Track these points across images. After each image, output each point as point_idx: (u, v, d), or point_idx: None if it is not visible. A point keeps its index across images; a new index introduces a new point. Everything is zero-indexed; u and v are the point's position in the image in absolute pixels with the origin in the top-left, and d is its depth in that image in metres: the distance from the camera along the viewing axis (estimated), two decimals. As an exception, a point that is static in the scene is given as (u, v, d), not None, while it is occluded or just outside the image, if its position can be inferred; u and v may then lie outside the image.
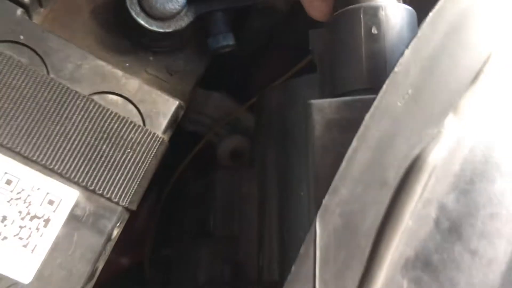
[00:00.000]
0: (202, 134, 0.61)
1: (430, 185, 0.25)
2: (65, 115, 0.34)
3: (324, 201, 0.24)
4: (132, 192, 0.35)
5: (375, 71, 0.28)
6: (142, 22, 0.38)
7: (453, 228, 0.25)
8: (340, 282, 0.24)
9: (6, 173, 0.33)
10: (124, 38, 0.41)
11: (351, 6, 0.29)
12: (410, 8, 0.30)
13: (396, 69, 0.25)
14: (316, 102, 0.27)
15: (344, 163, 0.25)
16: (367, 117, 0.25)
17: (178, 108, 0.38)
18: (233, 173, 0.45)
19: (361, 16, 0.28)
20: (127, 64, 0.41)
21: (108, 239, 0.35)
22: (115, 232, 0.35)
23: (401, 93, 0.25)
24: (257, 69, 0.61)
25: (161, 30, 0.38)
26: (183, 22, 0.39)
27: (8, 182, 0.33)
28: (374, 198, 0.24)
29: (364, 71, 0.28)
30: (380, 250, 0.24)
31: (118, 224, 0.35)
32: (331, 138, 0.27)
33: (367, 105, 0.26)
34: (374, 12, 0.28)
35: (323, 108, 0.27)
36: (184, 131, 0.60)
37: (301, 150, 0.40)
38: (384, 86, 0.25)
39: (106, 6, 0.41)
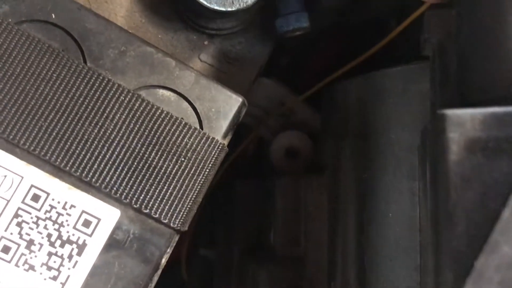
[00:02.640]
0: (251, 126, 0.54)
1: None
2: (105, 115, 0.28)
3: (477, 263, 0.17)
4: (186, 211, 0.28)
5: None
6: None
7: None
8: None
9: (32, 186, 0.27)
10: (174, 16, 0.34)
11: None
12: None
13: None
14: (452, 114, 0.20)
15: (508, 210, 0.17)
16: (544, 142, 0.17)
17: (242, 106, 0.31)
18: (297, 181, 0.38)
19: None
20: (177, 50, 0.34)
21: (156, 268, 0.28)
22: (164, 260, 0.29)
23: None
24: (315, 52, 0.53)
25: (222, 9, 0.31)
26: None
27: (35, 198, 0.27)
28: (551, 260, 0.17)
29: (520, 71, 0.20)
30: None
31: (167, 250, 0.29)
32: (475, 165, 0.19)
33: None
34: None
35: (462, 122, 0.19)
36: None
37: (388, 159, 0.33)
38: None
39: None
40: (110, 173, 0.27)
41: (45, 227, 0.27)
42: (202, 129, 0.29)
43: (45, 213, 0.27)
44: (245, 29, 0.35)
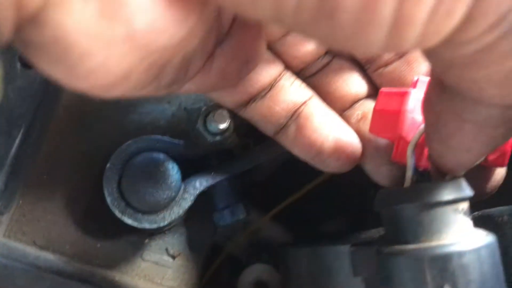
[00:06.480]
0: (221, 245, 0.54)
1: None
2: None
3: None
4: None
5: None
6: (130, 222, 0.30)
7: None
8: None
9: None
10: (112, 221, 0.33)
11: (407, 249, 0.21)
12: (490, 238, 0.22)
13: None
14: None
15: None
16: None
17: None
18: None
19: (426, 269, 0.20)
20: (118, 254, 0.33)
21: None
22: None
23: None
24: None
25: (154, 226, 0.31)
26: (180, 209, 0.31)
27: None
28: None
29: None
30: None
31: None
32: None
33: None
34: (443, 264, 0.20)
35: None
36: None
37: None
38: None
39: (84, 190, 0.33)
40: None
41: None
42: None
43: None
44: (185, 220, 0.34)
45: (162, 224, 0.31)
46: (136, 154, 0.30)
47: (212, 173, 0.32)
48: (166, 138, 0.31)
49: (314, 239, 0.43)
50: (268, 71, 0.27)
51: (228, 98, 0.27)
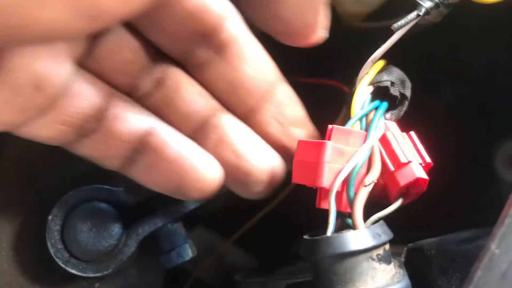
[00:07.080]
0: (188, 269, 0.54)
1: None
2: None
3: None
4: None
5: None
6: (74, 271, 0.31)
7: None
8: None
9: None
10: (62, 268, 0.34)
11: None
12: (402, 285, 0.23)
13: None
14: None
15: None
16: None
17: None
18: None
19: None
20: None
21: None
22: None
23: None
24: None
25: (98, 274, 0.31)
26: (123, 256, 0.32)
27: None
28: None
29: None
30: None
31: None
32: None
33: None
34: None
35: None
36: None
37: None
38: None
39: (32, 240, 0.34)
40: None
41: None
42: None
43: None
44: (135, 262, 0.35)
45: (106, 272, 0.31)
46: (77, 204, 0.31)
47: (155, 218, 0.32)
48: (106, 186, 0.32)
49: (274, 264, 0.44)
50: (86, 97, 0.22)
51: (41, 133, 0.22)
